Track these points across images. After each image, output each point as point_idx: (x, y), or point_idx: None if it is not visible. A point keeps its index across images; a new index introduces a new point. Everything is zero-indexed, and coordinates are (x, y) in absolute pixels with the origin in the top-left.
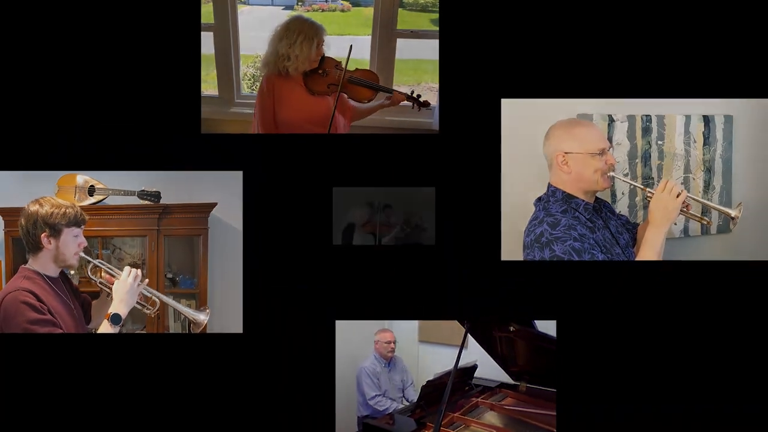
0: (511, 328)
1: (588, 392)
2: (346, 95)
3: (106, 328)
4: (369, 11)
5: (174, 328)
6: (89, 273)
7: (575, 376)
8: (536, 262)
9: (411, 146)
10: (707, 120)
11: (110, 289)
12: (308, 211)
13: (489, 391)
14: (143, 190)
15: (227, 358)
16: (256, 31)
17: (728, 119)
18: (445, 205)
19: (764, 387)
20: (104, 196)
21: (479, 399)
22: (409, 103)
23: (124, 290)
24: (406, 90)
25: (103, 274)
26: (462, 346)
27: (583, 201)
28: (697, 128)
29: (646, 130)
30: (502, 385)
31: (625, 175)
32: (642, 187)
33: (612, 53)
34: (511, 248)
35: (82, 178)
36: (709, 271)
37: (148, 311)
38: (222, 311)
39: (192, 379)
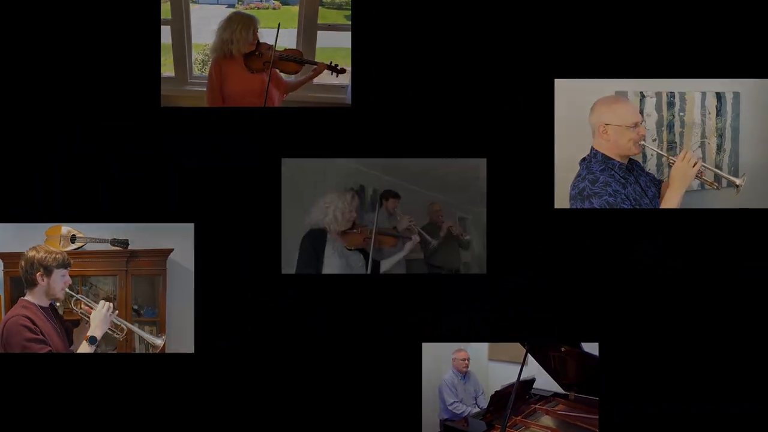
0: (563, 349)
1: (625, 400)
2: (278, 70)
3: (84, 348)
4: (295, 9)
5: (138, 349)
6: (72, 305)
7: (614, 388)
8: (580, 210)
9: (326, 118)
10: (719, 96)
11: (88, 317)
12: (257, 238)
13: (544, 399)
14: (114, 239)
15: (180, 374)
16: (205, 25)
17: (736, 95)
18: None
19: None
20: (83, 243)
21: (536, 405)
22: (332, 74)
23: (99, 318)
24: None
25: (82, 305)
26: (523, 364)
27: (618, 162)
28: (711, 102)
29: (671, 104)
30: (555, 395)
31: (654, 141)
32: (666, 155)
33: (643, 38)
34: None
35: (65, 228)
36: (719, 218)
37: (118, 336)
38: (177, 335)
39: (151, 391)
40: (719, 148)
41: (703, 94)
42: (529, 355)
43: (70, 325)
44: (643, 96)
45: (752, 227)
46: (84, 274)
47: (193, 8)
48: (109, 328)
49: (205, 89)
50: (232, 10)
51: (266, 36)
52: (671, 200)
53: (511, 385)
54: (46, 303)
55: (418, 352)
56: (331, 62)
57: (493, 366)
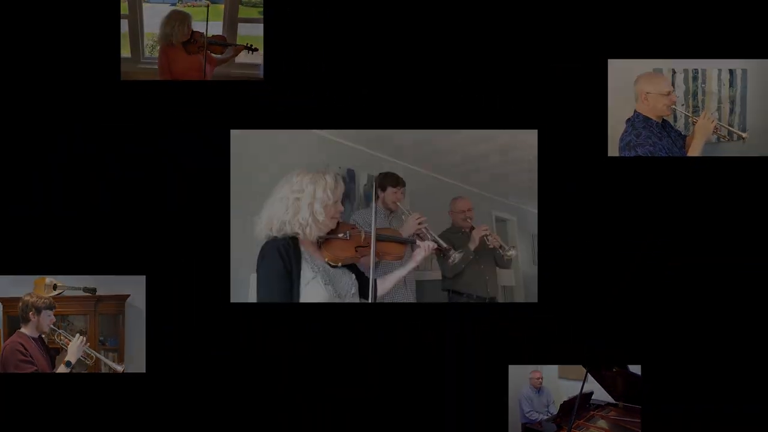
0: (614, 370)
1: (662, 408)
2: (210, 51)
3: (62, 369)
4: (221, 6)
5: (104, 370)
6: (55, 337)
7: (653, 399)
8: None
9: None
10: (731, 72)
11: (66, 346)
12: (206, 270)
13: (600, 407)
14: (85, 287)
15: (135, 390)
16: (154, 18)
17: (744, 72)
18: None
19: None
20: (62, 290)
21: (594, 412)
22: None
23: (75, 348)
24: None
25: (62, 337)
26: (584, 380)
27: (656, 121)
28: (725, 77)
29: (695, 78)
30: (608, 404)
31: (682, 105)
32: (691, 116)
33: (674, 28)
34: None
35: (49, 279)
36: (729, 166)
37: (89, 362)
38: (133, 359)
39: (112, 403)
40: (731, 111)
41: (720, 70)
42: (588, 374)
43: (53, 352)
44: (674, 72)
45: (755, 171)
46: (63, 313)
47: (146, 6)
48: (81, 356)
49: (154, 67)
50: (173, 8)
51: (198, 27)
52: (695, 149)
53: (575, 397)
54: (36, 335)
55: (505, 376)
56: (247, 43)
57: (562, 382)
